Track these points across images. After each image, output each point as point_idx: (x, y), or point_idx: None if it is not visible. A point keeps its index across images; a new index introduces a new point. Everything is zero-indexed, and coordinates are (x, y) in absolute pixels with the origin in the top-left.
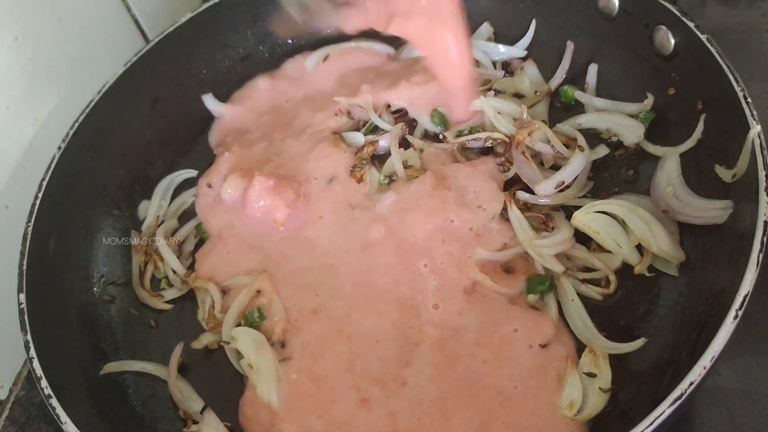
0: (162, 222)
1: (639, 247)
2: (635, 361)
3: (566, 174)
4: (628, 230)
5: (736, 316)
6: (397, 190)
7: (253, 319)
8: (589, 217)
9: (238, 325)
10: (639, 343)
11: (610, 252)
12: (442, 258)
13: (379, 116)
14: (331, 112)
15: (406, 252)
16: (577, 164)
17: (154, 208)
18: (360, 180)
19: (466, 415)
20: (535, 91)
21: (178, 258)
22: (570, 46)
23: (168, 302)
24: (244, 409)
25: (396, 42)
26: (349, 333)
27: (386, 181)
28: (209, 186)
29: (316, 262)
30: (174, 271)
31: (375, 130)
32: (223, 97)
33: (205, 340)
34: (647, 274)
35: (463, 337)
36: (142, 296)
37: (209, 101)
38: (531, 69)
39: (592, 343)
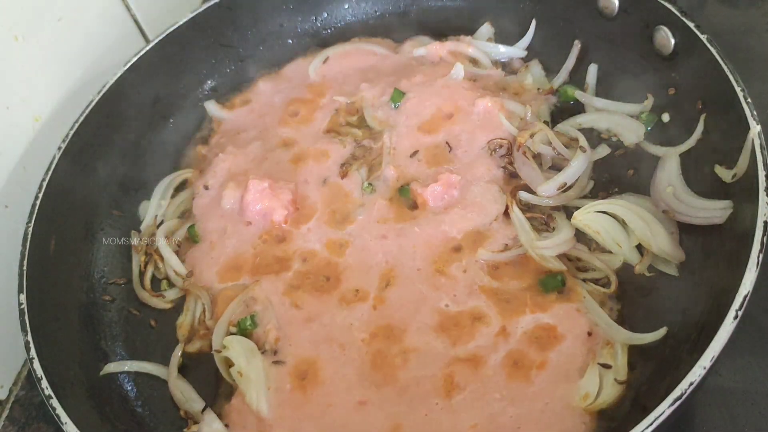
0: (161, 222)
1: (639, 247)
2: (635, 361)
3: (568, 175)
4: (628, 230)
5: (736, 316)
6: (370, 207)
7: (245, 326)
8: (589, 217)
9: (229, 333)
10: (662, 332)
11: (610, 252)
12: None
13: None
14: (330, 111)
15: (403, 256)
16: (579, 165)
17: (153, 208)
18: (345, 175)
19: (474, 411)
20: (538, 88)
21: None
22: (576, 45)
23: (168, 302)
24: (230, 417)
25: (395, 42)
26: (342, 341)
27: (369, 188)
28: (206, 188)
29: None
30: (175, 272)
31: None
32: (224, 97)
33: (199, 343)
34: (647, 274)
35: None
36: (142, 296)
37: (211, 107)
38: (536, 68)
39: (613, 336)
